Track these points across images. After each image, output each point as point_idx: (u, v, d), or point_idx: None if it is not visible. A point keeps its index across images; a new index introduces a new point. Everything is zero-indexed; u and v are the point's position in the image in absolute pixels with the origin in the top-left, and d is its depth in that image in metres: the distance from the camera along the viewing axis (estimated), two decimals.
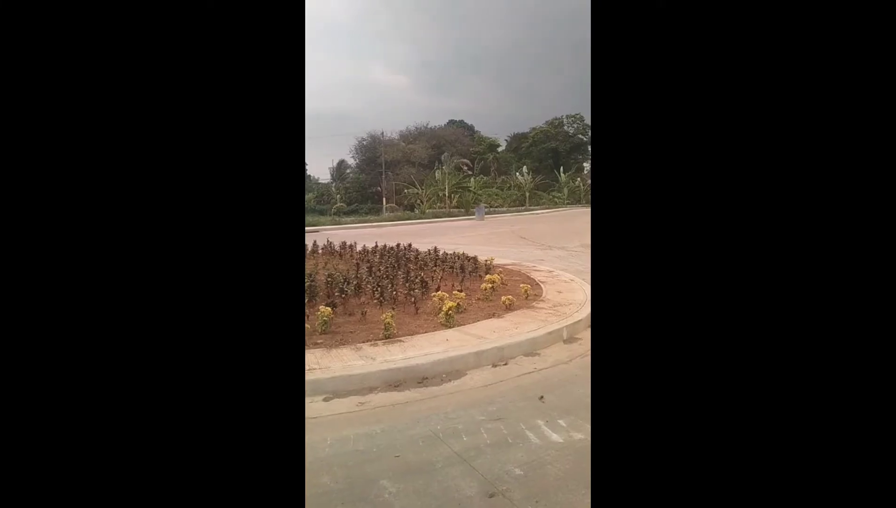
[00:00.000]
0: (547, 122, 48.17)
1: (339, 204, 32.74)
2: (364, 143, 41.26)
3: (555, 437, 2.64)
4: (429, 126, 44.78)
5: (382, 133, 40.58)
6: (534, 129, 48.33)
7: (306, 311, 4.57)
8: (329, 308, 4.39)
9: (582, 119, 47.78)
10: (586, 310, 5.01)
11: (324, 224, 22.39)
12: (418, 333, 4.30)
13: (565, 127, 47.97)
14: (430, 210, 30.38)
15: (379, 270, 6.21)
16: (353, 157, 42.94)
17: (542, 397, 3.16)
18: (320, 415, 2.98)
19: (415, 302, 5.01)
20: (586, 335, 4.55)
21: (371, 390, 3.32)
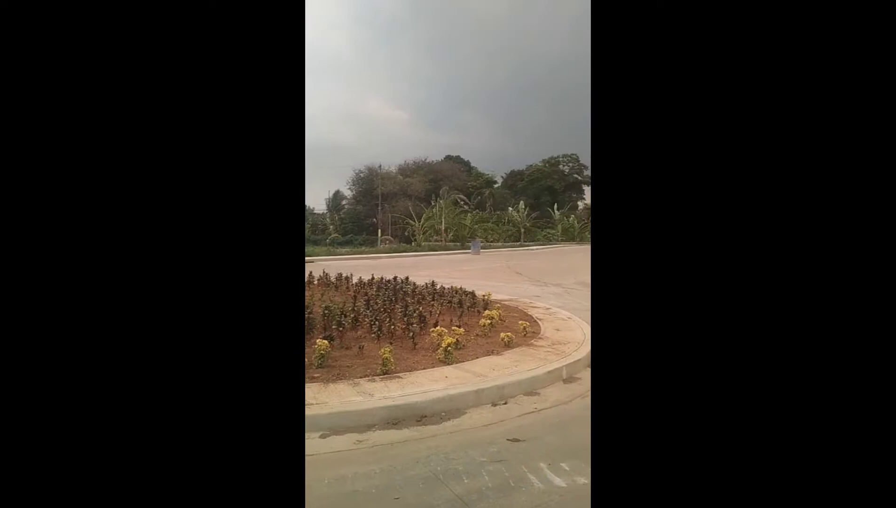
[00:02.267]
0: (543, 160, 49.05)
1: (333, 235, 32.81)
2: (361, 175, 41.73)
3: (557, 481, 2.58)
4: (426, 160, 45.51)
5: (380, 166, 41.14)
6: (530, 166, 49.16)
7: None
8: (326, 341, 4.33)
9: (577, 159, 48.68)
10: (585, 349, 4.97)
11: (319, 254, 22.34)
12: (416, 369, 4.24)
13: (561, 166, 48.81)
14: (426, 243, 30.45)
15: (376, 303, 6.17)
16: (349, 188, 43.35)
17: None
18: (317, 452, 2.90)
19: (413, 337, 4.96)
20: (586, 375, 4.50)
21: (369, 427, 3.25)
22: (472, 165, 49.35)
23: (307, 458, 2.80)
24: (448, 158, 48.67)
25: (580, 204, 48.30)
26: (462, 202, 37.42)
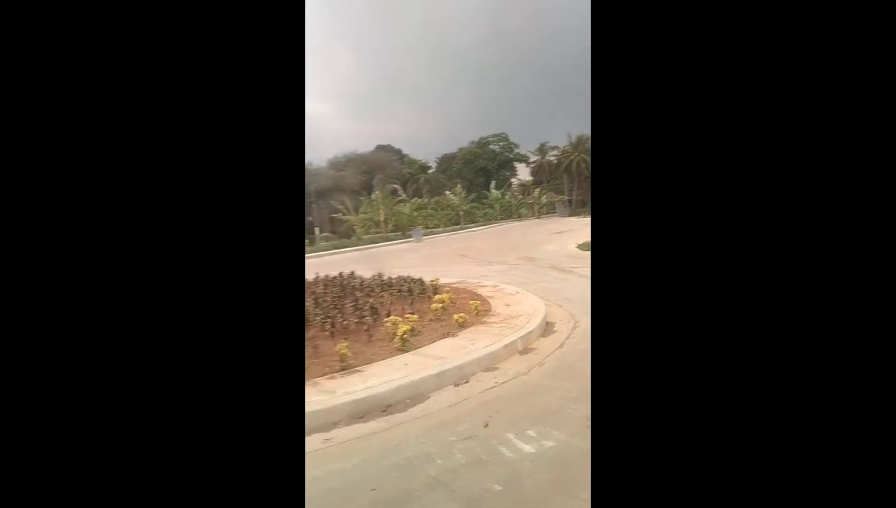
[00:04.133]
0: (473, 142, 49.48)
1: None
2: None
3: (527, 448, 2.67)
4: (357, 152, 44.65)
5: (310, 162, 40.02)
6: (461, 149, 49.47)
7: None
8: None
9: (506, 137, 49.49)
10: (536, 320, 5.14)
11: None
12: (375, 360, 4.22)
13: (491, 146, 49.44)
14: (367, 236, 30.06)
15: (325, 300, 6.05)
16: None
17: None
18: None
19: (367, 329, 4.92)
20: (540, 345, 4.67)
21: (335, 424, 3.21)
22: (405, 152, 49.06)
23: None
24: (379, 147, 47.99)
25: (514, 181, 49.32)
26: (399, 191, 37.17)
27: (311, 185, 36.08)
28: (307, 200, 35.87)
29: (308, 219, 35.48)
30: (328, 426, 3.19)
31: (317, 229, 33.30)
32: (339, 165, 42.16)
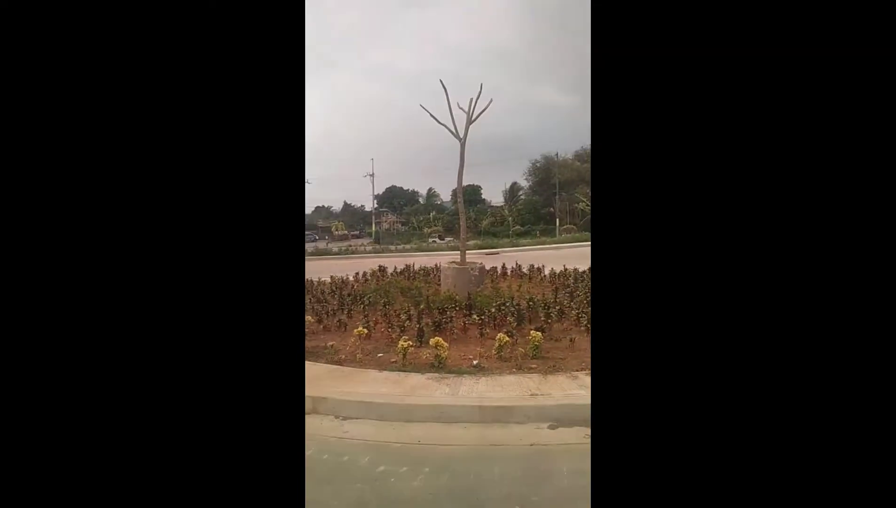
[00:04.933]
0: None
1: (515, 227, 33.37)
2: (538, 165, 41.66)
3: None
4: None
5: (556, 154, 40.57)
6: None
7: (515, 335, 4.69)
8: (539, 333, 4.43)
9: None
10: None
11: (502, 246, 23.02)
12: None
13: None
14: None
15: (578, 294, 6.10)
16: (526, 179, 43.66)
17: None
18: (550, 443, 3.00)
19: None
20: None
21: None
22: None
23: (541, 447, 2.92)
24: None
25: None
26: None
27: (555, 176, 36.58)
28: (551, 191, 36.51)
29: (549, 209, 36.14)
30: (587, 421, 3.21)
31: (557, 221, 33.64)
32: (584, 157, 41.57)
